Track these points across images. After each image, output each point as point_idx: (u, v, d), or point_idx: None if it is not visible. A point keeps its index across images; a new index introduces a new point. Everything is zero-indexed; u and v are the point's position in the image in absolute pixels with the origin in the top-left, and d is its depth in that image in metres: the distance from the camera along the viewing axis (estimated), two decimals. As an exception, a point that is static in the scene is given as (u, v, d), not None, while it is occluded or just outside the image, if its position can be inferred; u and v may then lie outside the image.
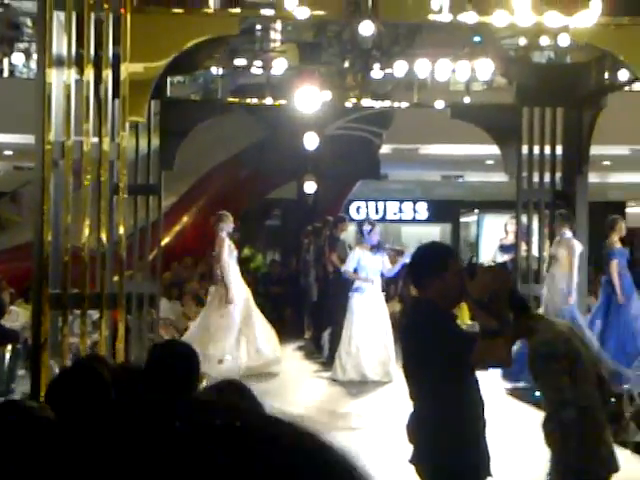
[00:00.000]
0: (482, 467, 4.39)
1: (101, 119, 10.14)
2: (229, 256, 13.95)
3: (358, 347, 12.70)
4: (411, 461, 4.53)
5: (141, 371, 5.08)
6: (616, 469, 5.20)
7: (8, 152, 23.68)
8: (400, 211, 26.60)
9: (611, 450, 5.25)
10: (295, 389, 12.50)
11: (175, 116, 13.35)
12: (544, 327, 5.22)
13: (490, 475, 4.46)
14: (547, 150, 13.72)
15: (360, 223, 13.97)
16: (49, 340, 9.30)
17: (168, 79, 13.29)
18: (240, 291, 14.02)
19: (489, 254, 26.57)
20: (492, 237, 26.51)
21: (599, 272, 14.79)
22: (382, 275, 13.24)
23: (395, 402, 9.94)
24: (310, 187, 18.21)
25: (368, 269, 13.01)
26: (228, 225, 14.01)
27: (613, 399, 11.09)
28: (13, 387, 9.66)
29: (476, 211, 27.00)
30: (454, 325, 4.45)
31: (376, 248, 13.18)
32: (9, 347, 9.65)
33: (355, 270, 13.04)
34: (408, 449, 4.57)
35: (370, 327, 12.81)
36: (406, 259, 12.88)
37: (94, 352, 3.28)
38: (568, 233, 12.93)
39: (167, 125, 13.40)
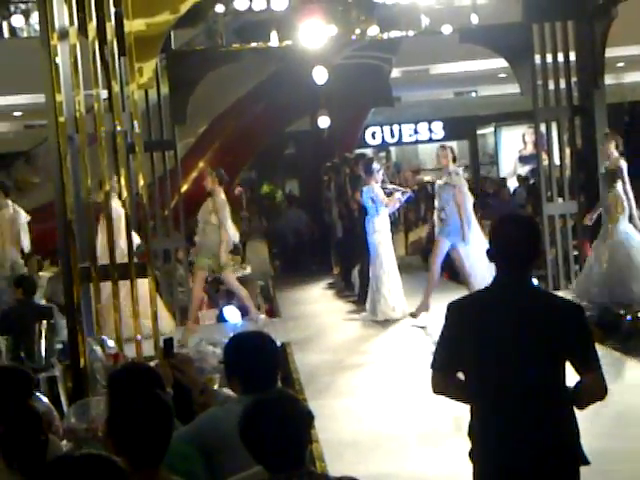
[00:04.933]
0: None
1: (109, 77, 9.97)
2: None
3: (389, 288, 12.64)
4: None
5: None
6: None
7: (17, 113, 23.59)
8: (416, 132, 26.41)
9: None
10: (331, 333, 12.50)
11: (182, 69, 13.22)
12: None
13: None
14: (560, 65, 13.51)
15: (368, 161, 13.62)
16: (83, 312, 9.31)
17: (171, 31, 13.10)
18: None
19: (509, 166, 26.51)
20: (510, 149, 26.40)
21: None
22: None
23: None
24: (324, 122, 18.08)
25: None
26: None
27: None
28: (52, 361, 9.75)
29: (492, 124, 26.79)
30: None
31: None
32: (44, 322, 9.72)
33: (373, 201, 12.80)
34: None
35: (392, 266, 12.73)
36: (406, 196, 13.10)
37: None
38: None
39: (175, 78, 13.27)
